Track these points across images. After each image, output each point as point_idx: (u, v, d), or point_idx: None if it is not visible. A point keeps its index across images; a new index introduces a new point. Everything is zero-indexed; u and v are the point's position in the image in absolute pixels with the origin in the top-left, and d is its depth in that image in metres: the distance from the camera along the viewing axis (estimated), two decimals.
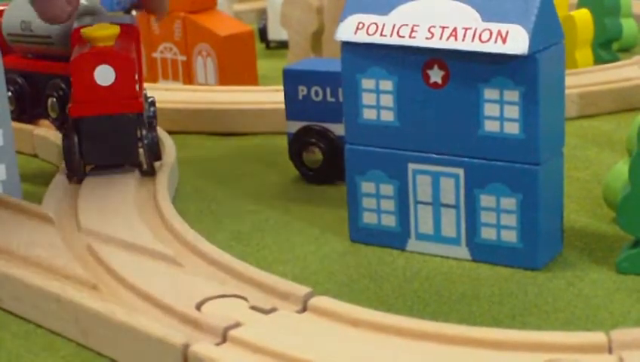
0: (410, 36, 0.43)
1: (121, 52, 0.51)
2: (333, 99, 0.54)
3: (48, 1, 0.47)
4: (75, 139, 0.51)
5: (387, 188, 0.45)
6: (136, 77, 0.51)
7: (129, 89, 0.50)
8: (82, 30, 0.51)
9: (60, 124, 0.57)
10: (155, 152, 0.52)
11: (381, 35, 0.43)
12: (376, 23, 0.44)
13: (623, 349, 0.33)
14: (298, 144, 0.55)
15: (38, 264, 0.42)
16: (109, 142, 0.51)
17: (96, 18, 0.54)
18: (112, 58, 0.50)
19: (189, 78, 0.76)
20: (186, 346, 0.35)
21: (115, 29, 0.51)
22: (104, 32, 0.51)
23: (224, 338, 0.35)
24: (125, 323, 0.36)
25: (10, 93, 0.59)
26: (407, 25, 0.43)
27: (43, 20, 0.48)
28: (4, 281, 0.41)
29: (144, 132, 0.51)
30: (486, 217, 0.43)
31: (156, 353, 0.35)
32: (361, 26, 0.44)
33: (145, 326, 0.36)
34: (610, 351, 0.34)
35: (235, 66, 0.75)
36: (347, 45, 0.44)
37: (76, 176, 0.51)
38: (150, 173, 0.52)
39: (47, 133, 0.61)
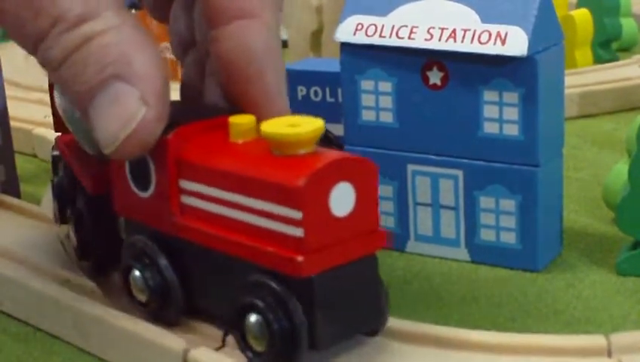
0: (409, 37, 0.43)
1: (360, 158, 0.33)
2: (332, 100, 0.54)
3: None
4: (302, 315, 0.32)
5: (386, 190, 0.45)
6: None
7: (371, 215, 0.33)
8: (266, 131, 0.32)
9: None
10: (388, 300, 0.34)
11: (380, 36, 0.43)
12: (375, 24, 0.44)
13: (622, 353, 0.33)
14: None
15: (37, 266, 0.42)
16: (349, 303, 0.33)
17: None
18: (352, 170, 0.32)
19: None
20: (186, 351, 0.34)
21: (319, 123, 0.32)
22: (306, 130, 0.32)
23: (223, 342, 0.35)
24: (125, 327, 0.36)
25: None
26: (406, 26, 0.43)
27: (90, 151, 0.33)
28: (3, 283, 0.41)
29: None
30: (485, 218, 0.43)
31: (156, 357, 0.35)
32: (360, 27, 0.44)
33: (145, 330, 0.36)
34: (609, 354, 0.34)
35: None
36: (346, 46, 0.44)
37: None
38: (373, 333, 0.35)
39: (47, 132, 0.60)
